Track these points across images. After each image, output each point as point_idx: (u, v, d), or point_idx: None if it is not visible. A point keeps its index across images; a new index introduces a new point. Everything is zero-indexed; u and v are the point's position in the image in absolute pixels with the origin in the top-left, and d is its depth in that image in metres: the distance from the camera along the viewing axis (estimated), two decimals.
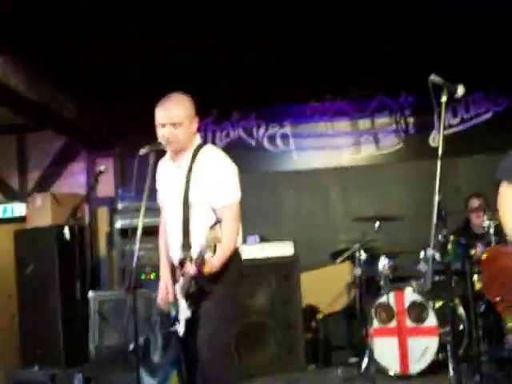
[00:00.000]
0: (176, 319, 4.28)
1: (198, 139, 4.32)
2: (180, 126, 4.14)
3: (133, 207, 6.80)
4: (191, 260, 3.95)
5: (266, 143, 8.32)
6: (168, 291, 4.32)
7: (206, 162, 4.18)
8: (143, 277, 6.57)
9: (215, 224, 3.77)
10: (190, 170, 4.18)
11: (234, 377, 4.23)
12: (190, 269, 3.93)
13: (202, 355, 4.07)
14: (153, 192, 4.43)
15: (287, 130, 8.32)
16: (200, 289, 4.06)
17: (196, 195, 4.12)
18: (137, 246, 3.94)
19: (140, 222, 3.96)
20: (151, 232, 4.71)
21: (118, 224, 7.12)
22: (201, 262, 3.84)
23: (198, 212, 4.09)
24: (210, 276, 4.01)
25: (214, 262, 3.92)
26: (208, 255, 3.81)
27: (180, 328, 4.21)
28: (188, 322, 4.12)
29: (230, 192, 4.11)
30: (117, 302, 6.06)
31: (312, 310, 7.24)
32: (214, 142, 8.18)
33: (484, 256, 4.16)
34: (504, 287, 4.02)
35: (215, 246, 3.80)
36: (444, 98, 3.68)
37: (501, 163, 4.19)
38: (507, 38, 6.76)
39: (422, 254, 6.31)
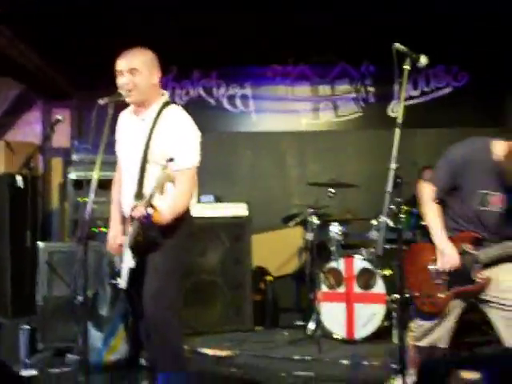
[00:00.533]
0: (119, 272, 4.28)
1: (164, 96, 4.28)
2: (138, 73, 4.11)
3: (88, 159, 6.73)
4: (141, 203, 3.93)
5: (225, 103, 8.29)
6: (116, 239, 4.31)
7: (171, 121, 4.15)
8: (94, 229, 6.52)
9: (167, 163, 3.76)
10: (153, 125, 4.14)
11: (179, 333, 4.23)
12: (140, 210, 3.89)
13: (148, 310, 4.07)
14: (110, 145, 4.39)
15: (247, 91, 8.30)
16: (148, 240, 4.04)
17: (155, 153, 4.09)
18: (90, 198, 3.90)
19: (95, 175, 3.92)
20: (105, 185, 4.67)
21: (72, 175, 7.03)
22: (150, 203, 3.83)
23: (155, 168, 4.07)
24: (160, 230, 4.02)
25: (163, 212, 3.92)
26: (158, 196, 3.80)
27: (122, 280, 4.19)
28: (132, 273, 4.11)
29: (190, 156, 4.09)
30: (67, 253, 5.99)
31: (262, 272, 7.28)
32: (173, 100, 8.08)
33: (407, 253, 4.25)
34: (422, 284, 4.12)
35: (164, 187, 3.80)
36: (407, 67, 3.70)
37: (436, 171, 4.29)
38: (473, 16, 6.80)
39: (373, 222, 6.38)
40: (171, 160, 3.78)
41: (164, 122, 4.13)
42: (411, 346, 4.38)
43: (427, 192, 4.28)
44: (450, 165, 4.19)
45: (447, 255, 4.06)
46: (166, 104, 4.23)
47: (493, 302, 4.00)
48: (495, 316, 4.02)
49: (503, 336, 3.98)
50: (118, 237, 4.32)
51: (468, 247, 4.05)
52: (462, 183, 4.13)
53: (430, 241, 4.25)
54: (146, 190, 4.03)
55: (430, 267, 4.14)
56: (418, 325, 4.27)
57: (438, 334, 4.20)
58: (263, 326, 7.03)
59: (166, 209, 3.95)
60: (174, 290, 4.23)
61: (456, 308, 4.13)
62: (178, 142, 4.07)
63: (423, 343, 4.27)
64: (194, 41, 7.44)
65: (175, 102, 4.42)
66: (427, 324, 4.20)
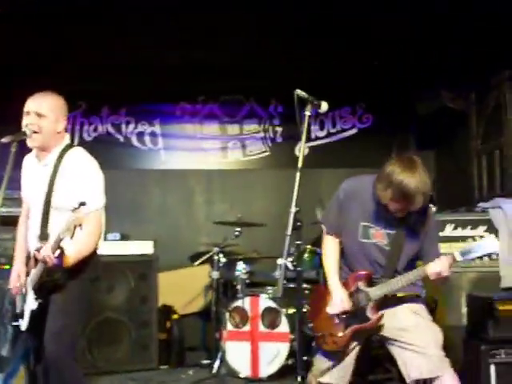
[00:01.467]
0: (21, 313, 4.22)
1: (66, 140, 4.29)
2: (44, 118, 4.13)
3: None
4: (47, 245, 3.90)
5: (134, 140, 8.28)
6: (19, 279, 4.26)
7: (73, 165, 4.15)
8: None
9: (78, 207, 3.74)
10: (54, 170, 4.14)
11: (79, 373, 4.21)
12: (46, 252, 3.86)
13: (48, 348, 4.04)
14: (13, 181, 4.35)
15: (157, 128, 8.32)
16: (52, 281, 4.02)
17: (59, 198, 4.09)
18: None
19: None
20: (9, 222, 4.63)
21: None
22: (58, 246, 3.81)
23: (59, 213, 4.05)
24: (65, 272, 3.99)
25: (70, 255, 3.91)
26: (67, 239, 3.78)
27: (23, 322, 4.16)
28: (34, 315, 4.07)
29: (95, 198, 4.07)
30: None
31: (167, 310, 7.23)
32: (81, 136, 8.10)
33: (313, 292, 4.37)
34: (323, 323, 4.23)
35: (74, 231, 3.76)
36: (307, 112, 3.81)
37: (326, 209, 4.41)
38: (376, 58, 7.04)
39: (279, 261, 6.45)
40: (83, 204, 3.76)
41: (66, 166, 4.13)
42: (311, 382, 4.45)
43: (325, 241, 4.40)
44: (336, 200, 4.32)
45: (335, 299, 4.16)
46: (67, 147, 4.24)
47: (393, 340, 4.11)
48: (396, 353, 4.13)
49: (403, 372, 4.08)
50: (21, 276, 4.28)
51: (362, 285, 4.13)
52: (347, 216, 4.25)
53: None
54: (52, 233, 4.02)
55: (329, 309, 4.20)
56: (319, 362, 4.34)
57: (338, 372, 4.26)
58: (169, 365, 6.97)
59: (72, 251, 3.94)
60: (75, 330, 4.21)
61: (354, 347, 4.22)
62: (83, 185, 4.06)
63: (325, 379, 4.33)
64: (103, 77, 7.45)
65: (76, 144, 4.43)
66: (329, 363, 4.27)
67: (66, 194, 4.02)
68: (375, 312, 4.09)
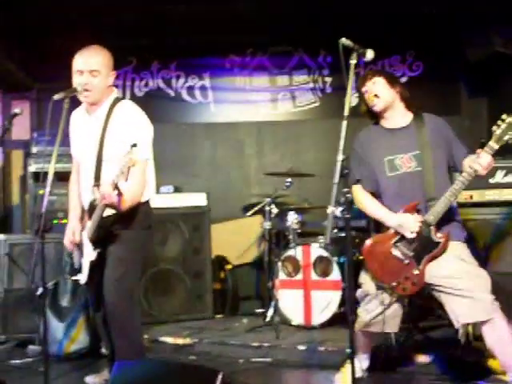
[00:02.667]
0: (78, 269, 4.36)
1: (114, 93, 4.37)
2: (98, 73, 4.21)
3: (48, 151, 6.70)
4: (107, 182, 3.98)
5: (184, 94, 8.33)
6: (74, 236, 4.40)
7: (123, 117, 4.25)
8: (55, 221, 6.57)
9: (130, 149, 3.81)
10: (105, 123, 4.23)
11: (137, 321, 4.34)
12: (105, 188, 3.94)
13: (108, 298, 4.18)
14: (67, 137, 4.47)
15: (206, 82, 8.34)
16: (109, 230, 4.16)
17: (110, 150, 4.18)
18: (47, 189, 3.99)
19: (52, 167, 4.00)
20: (64, 177, 4.75)
21: (32, 168, 7.06)
22: (116, 186, 3.88)
23: (111, 164, 4.14)
24: (119, 221, 4.12)
25: (126, 196, 4.00)
26: (121, 183, 3.86)
27: (82, 276, 4.30)
28: (92, 266, 4.20)
29: (142, 148, 4.14)
30: (28, 245, 6.05)
31: (221, 261, 7.38)
32: (132, 91, 8.17)
33: (364, 251, 4.39)
34: (393, 271, 4.24)
35: (128, 172, 3.83)
36: (353, 61, 3.83)
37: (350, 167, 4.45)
38: (425, 5, 6.94)
39: (328, 211, 6.49)
40: (134, 145, 3.84)
41: (116, 118, 4.22)
42: (361, 332, 4.52)
43: (356, 194, 4.50)
44: (352, 156, 4.44)
45: (404, 223, 4.20)
46: (116, 100, 4.32)
47: (440, 287, 4.14)
48: (443, 300, 4.17)
49: (452, 318, 4.12)
50: (76, 232, 4.41)
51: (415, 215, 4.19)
52: (370, 163, 4.41)
53: (378, 231, 4.43)
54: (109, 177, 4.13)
55: (394, 252, 4.26)
56: (364, 313, 4.40)
57: (390, 318, 4.33)
58: (223, 314, 7.15)
59: (127, 195, 4.03)
60: (133, 279, 4.36)
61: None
62: (132, 134, 4.14)
63: (372, 328, 4.40)
64: (153, 32, 7.50)
65: (124, 98, 4.53)
66: (374, 312, 4.32)
67: (117, 145, 4.11)
68: (439, 234, 4.15)
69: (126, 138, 4.09)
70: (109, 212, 4.12)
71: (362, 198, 4.48)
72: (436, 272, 4.14)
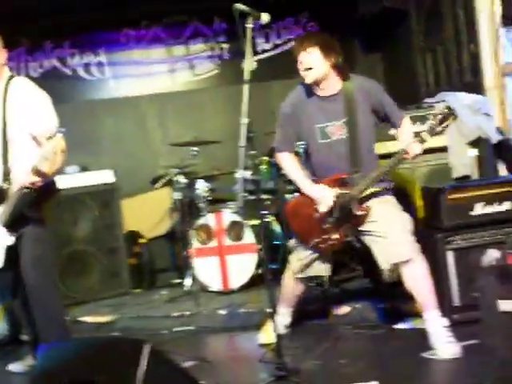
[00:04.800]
0: None
1: (7, 71, 4.28)
2: None
3: None
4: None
5: (81, 72, 8.22)
6: None
7: (21, 91, 4.18)
8: None
9: (55, 134, 3.76)
10: (4, 100, 4.15)
11: (60, 302, 4.34)
12: (28, 177, 3.89)
13: (28, 280, 4.15)
14: None
15: (102, 57, 8.26)
16: (21, 214, 4.09)
17: (14, 124, 4.11)
18: None
19: None
20: None
21: None
22: (38, 171, 3.84)
23: (17, 141, 4.11)
24: (33, 203, 4.07)
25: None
26: (44, 168, 3.82)
27: None
28: (9, 251, 4.15)
29: (52, 117, 4.13)
30: None
31: (134, 236, 7.35)
32: (27, 73, 8.00)
33: (287, 211, 4.50)
34: (313, 232, 4.35)
35: (55, 157, 3.81)
36: (249, 25, 3.88)
37: (276, 132, 4.55)
38: None
39: (237, 174, 6.55)
40: (60, 131, 3.80)
41: (15, 94, 4.15)
42: (289, 282, 4.63)
43: (281, 161, 4.56)
44: (282, 120, 4.49)
45: (320, 197, 4.30)
46: (11, 77, 4.25)
47: (366, 232, 4.31)
48: (370, 244, 4.32)
49: (378, 261, 4.27)
50: None
51: (338, 190, 4.29)
52: (300, 128, 4.43)
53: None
54: (14, 168, 4.07)
55: (315, 215, 4.34)
56: (297, 259, 4.52)
57: (321, 263, 4.49)
58: (141, 289, 7.13)
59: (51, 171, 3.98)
60: (50, 259, 4.36)
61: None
62: (36, 109, 4.11)
63: (305, 274, 4.52)
64: (43, 11, 7.35)
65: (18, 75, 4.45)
66: (307, 258, 4.45)
67: (21, 123, 4.06)
68: (361, 208, 4.25)
69: (29, 114, 4.06)
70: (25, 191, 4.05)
71: (288, 166, 4.54)
72: None
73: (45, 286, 4.18)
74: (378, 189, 4.33)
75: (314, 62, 4.25)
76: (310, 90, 4.41)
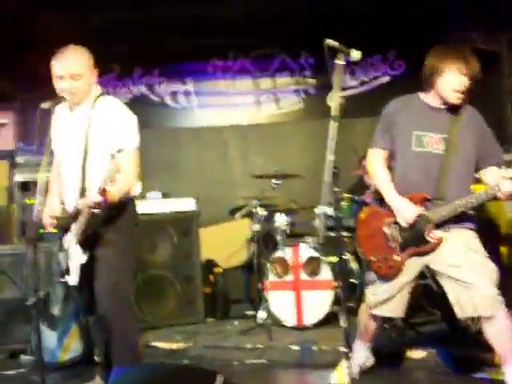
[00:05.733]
0: (66, 271, 4.32)
1: (97, 89, 4.34)
2: (80, 77, 4.15)
3: (33, 161, 6.76)
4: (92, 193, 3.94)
5: (168, 99, 8.36)
6: (54, 209, 4.34)
7: (106, 109, 4.21)
8: (42, 230, 6.56)
9: (116, 153, 3.79)
10: (90, 117, 4.18)
11: (135, 327, 4.34)
12: (93, 197, 3.88)
13: (104, 306, 4.15)
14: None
15: (190, 86, 8.38)
16: (96, 232, 4.11)
17: (96, 142, 4.14)
18: (39, 198, 3.96)
19: (42, 176, 3.98)
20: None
21: (18, 177, 7.05)
22: (102, 190, 3.83)
23: (97, 159, 4.13)
24: (106, 222, 4.10)
25: (113, 190, 3.90)
26: (109, 187, 3.80)
27: (72, 277, 4.24)
28: (83, 269, 4.16)
29: (130, 137, 4.14)
30: (16, 255, 6.02)
31: (211, 265, 7.37)
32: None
33: (360, 216, 4.38)
34: (377, 247, 4.25)
35: (114, 178, 3.77)
36: (339, 61, 3.84)
37: (375, 133, 4.44)
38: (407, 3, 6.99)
39: (318, 209, 6.52)
40: (120, 151, 3.82)
41: (101, 112, 4.20)
42: (364, 316, 4.53)
43: (372, 157, 4.41)
44: (383, 119, 4.40)
45: (403, 211, 4.15)
46: (100, 95, 4.30)
47: (446, 275, 4.12)
48: (448, 289, 4.14)
49: (455, 309, 4.10)
50: (55, 208, 4.37)
51: (419, 209, 4.13)
52: (398, 130, 4.28)
53: (382, 205, 4.35)
54: (91, 186, 4.09)
55: (385, 230, 4.24)
56: (376, 291, 4.37)
57: (393, 302, 4.31)
58: (214, 318, 7.13)
59: (114, 189, 3.93)
60: (128, 285, 4.31)
61: (412, 277, 4.26)
62: (117, 125, 4.13)
63: (379, 311, 4.39)
64: (134, 38, 7.51)
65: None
66: (384, 295, 4.30)
67: (102, 136, 4.11)
68: (434, 234, 4.10)
69: (111, 131, 4.09)
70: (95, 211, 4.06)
71: (377, 165, 4.36)
72: (443, 259, 4.11)
73: (119, 313, 4.16)
74: (460, 227, 4.18)
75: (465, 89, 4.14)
76: (418, 98, 4.32)
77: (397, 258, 4.18)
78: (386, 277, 4.25)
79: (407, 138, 4.22)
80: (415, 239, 4.15)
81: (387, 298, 4.30)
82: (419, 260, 4.20)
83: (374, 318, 4.50)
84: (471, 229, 4.22)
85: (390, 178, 4.30)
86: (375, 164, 4.38)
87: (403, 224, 4.16)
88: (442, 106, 4.23)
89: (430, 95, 4.27)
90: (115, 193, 3.96)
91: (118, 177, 3.81)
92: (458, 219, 4.13)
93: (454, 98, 4.13)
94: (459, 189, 4.14)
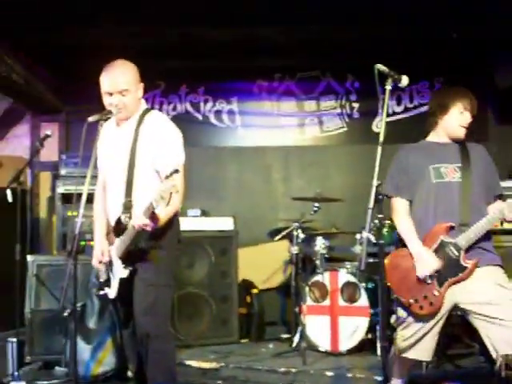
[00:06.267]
0: (105, 283, 4.33)
1: (143, 104, 4.37)
2: (127, 92, 4.18)
3: (76, 173, 6.85)
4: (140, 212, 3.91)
5: (212, 118, 8.38)
6: (103, 252, 4.35)
7: (154, 125, 4.22)
8: (83, 243, 6.60)
9: (171, 175, 3.71)
10: (136, 132, 4.20)
11: (173, 347, 4.30)
12: (140, 220, 3.86)
13: (142, 324, 4.13)
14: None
15: (234, 106, 8.40)
16: (139, 249, 4.10)
17: (142, 156, 4.14)
18: (81, 211, 3.97)
19: (85, 188, 3.99)
20: (92, 199, 4.73)
21: (61, 189, 7.14)
22: (151, 213, 3.82)
23: (142, 174, 4.13)
24: (150, 238, 4.08)
25: (161, 214, 3.92)
26: (159, 208, 3.76)
27: (111, 290, 4.25)
28: (122, 283, 4.16)
29: (177, 154, 4.10)
30: (55, 266, 6.05)
31: (247, 285, 7.36)
32: None
33: (387, 262, 4.34)
34: (413, 288, 4.21)
35: (170, 198, 3.70)
36: (388, 87, 3.81)
37: (388, 178, 4.46)
38: (454, 31, 6.93)
39: (357, 236, 6.49)
40: (176, 172, 3.75)
41: (147, 127, 4.20)
42: (396, 357, 4.46)
43: (397, 207, 4.45)
44: (394, 164, 4.48)
45: (424, 260, 4.16)
46: (146, 111, 4.32)
47: (476, 314, 4.07)
48: (480, 327, 4.10)
49: (489, 347, 4.05)
50: (104, 251, 4.37)
51: (446, 237, 4.16)
52: (413, 169, 4.38)
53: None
54: (136, 200, 4.10)
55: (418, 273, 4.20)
56: (405, 335, 4.32)
57: (423, 344, 4.26)
58: (249, 339, 7.11)
59: (163, 212, 3.94)
60: (166, 304, 4.28)
61: (442, 315, 4.21)
62: (165, 142, 4.12)
63: (408, 355, 4.34)
64: (181, 55, 7.55)
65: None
66: (413, 338, 4.26)
67: (149, 152, 4.10)
68: (468, 259, 4.10)
69: (158, 148, 4.08)
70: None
71: (401, 217, 4.42)
72: (473, 298, 4.07)
73: (157, 332, 4.12)
74: (487, 265, 4.16)
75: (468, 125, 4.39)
76: (423, 141, 4.52)
77: (436, 292, 4.14)
78: (429, 316, 4.20)
79: (425, 173, 4.33)
80: (451, 269, 4.13)
81: (417, 340, 4.25)
82: (450, 298, 4.16)
83: (403, 360, 4.44)
84: (498, 265, 4.22)
85: (412, 225, 4.35)
86: (399, 214, 4.44)
87: (419, 275, 4.17)
88: (449, 141, 4.41)
89: (433, 135, 4.47)
90: (164, 217, 3.98)
91: (174, 197, 3.79)
92: (485, 258, 4.16)
93: (461, 133, 4.37)
94: (480, 213, 4.19)
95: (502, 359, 3.97)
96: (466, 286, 4.12)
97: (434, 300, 4.14)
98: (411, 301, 4.20)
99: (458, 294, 4.13)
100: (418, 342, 4.25)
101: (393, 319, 4.46)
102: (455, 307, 4.21)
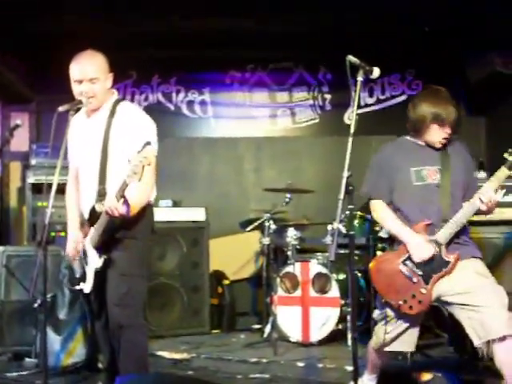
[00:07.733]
0: (81, 278, 4.31)
1: (115, 95, 4.36)
2: (97, 80, 4.19)
3: (47, 163, 6.79)
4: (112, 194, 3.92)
5: (184, 109, 8.35)
6: (77, 243, 4.33)
7: (127, 114, 4.23)
8: (53, 234, 6.57)
9: (142, 148, 3.72)
10: (109, 121, 4.20)
11: (145, 338, 4.30)
12: (110, 201, 3.88)
13: (115, 314, 4.12)
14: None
15: (206, 97, 8.37)
16: (113, 236, 4.10)
17: (115, 145, 4.14)
18: (50, 201, 3.94)
19: (55, 179, 3.97)
20: (64, 190, 4.71)
21: (31, 179, 7.08)
22: (122, 194, 3.83)
23: (116, 163, 4.12)
24: (124, 227, 4.09)
25: (134, 202, 3.95)
26: (133, 184, 3.77)
27: (87, 285, 4.24)
28: (97, 274, 4.15)
29: (152, 143, 4.11)
30: (25, 257, 6.01)
31: (219, 276, 7.37)
32: None
33: (371, 267, 4.37)
34: (400, 289, 4.23)
35: (142, 172, 3.72)
36: (359, 78, 3.82)
37: (365, 180, 4.48)
38: (427, 24, 6.97)
39: (329, 227, 6.49)
40: (148, 143, 3.75)
41: (121, 116, 4.21)
42: (372, 351, 4.49)
43: (377, 207, 4.46)
44: (378, 164, 4.46)
45: (418, 244, 4.17)
46: (117, 101, 4.31)
47: (457, 304, 4.10)
48: (461, 316, 4.11)
49: (471, 335, 4.07)
50: (78, 241, 4.35)
51: (426, 236, 4.17)
52: (393, 171, 4.36)
53: (390, 248, 4.46)
54: (109, 184, 4.10)
55: (402, 269, 4.21)
56: (382, 332, 4.32)
57: (406, 336, 4.29)
58: (220, 330, 7.14)
59: (135, 200, 3.98)
60: (139, 295, 4.27)
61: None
62: (137, 131, 4.11)
63: (391, 348, 4.37)
64: (153, 46, 7.52)
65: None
66: (396, 330, 4.28)
67: (122, 141, 4.11)
68: (449, 253, 4.12)
69: (132, 137, 4.06)
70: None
71: (384, 213, 4.42)
72: (454, 288, 4.10)
73: (129, 324, 4.12)
74: (468, 258, 4.18)
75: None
76: (406, 139, 4.47)
77: (423, 290, 4.15)
78: (419, 314, 4.22)
79: (407, 176, 4.32)
80: (435, 265, 4.14)
81: (400, 333, 4.28)
82: (434, 291, 4.18)
83: (384, 354, 4.47)
84: (478, 257, 4.25)
85: (395, 217, 4.35)
86: (382, 213, 4.44)
87: (417, 260, 4.17)
88: (424, 143, 4.40)
89: (417, 136, 4.41)
90: (137, 205, 4.01)
91: (146, 169, 3.78)
92: (465, 250, 4.20)
93: (441, 144, 4.32)
94: (458, 207, 4.20)
95: (484, 348, 4.01)
96: (449, 278, 4.15)
97: (423, 298, 4.15)
98: (400, 302, 4.21)
99: (440, 287, 4.16)
100: (402, 334, 4.28)
101: (375, 314, 4.47)
102: (438, 300, 4.24)
